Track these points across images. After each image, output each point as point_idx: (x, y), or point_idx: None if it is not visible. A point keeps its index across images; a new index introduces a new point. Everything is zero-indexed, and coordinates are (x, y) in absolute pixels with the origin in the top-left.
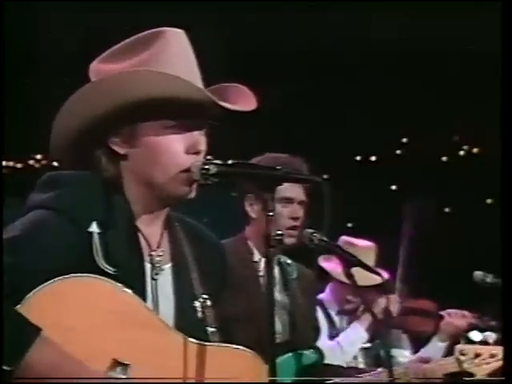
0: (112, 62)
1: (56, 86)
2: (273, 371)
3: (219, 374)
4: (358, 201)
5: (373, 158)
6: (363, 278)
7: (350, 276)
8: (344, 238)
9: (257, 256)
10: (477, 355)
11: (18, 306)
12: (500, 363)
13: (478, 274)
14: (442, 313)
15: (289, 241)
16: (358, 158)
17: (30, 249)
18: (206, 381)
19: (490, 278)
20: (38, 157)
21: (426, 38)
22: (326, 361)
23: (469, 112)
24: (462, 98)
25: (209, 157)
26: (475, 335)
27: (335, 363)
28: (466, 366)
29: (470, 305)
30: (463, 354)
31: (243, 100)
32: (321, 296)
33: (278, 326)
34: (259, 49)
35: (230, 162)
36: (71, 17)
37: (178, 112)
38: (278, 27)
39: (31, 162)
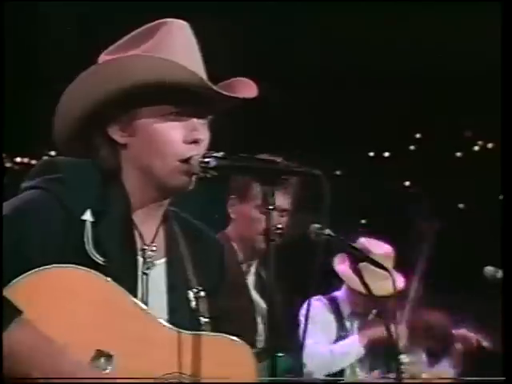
0: (118, 52)
1: (56, 85)
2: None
3: (205, 362)
4: (370, 197)
5: (386, 154)
6: (377, 287)
7: (357, 272)
8: (362, 240)
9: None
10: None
11: (4, 290)
12: None
13: (488, 269)
14: (454, 333)
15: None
16: (371, 153)
17: (18, 227)
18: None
19: (500, 274)
20: (39, 156)
21: (435, 34)
22: (315, 368)
23: (483, 106)
24: (476, 92)
25: (210, 151)
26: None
27: (323, 371)
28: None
29: (482, 301)
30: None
31: (243, 89)
32: (335, 293)
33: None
34: (270, 44)
35: (229, 155)
36: (71, 16)
37: (175, 98)
38: (287, 23)
39: (33, 161)
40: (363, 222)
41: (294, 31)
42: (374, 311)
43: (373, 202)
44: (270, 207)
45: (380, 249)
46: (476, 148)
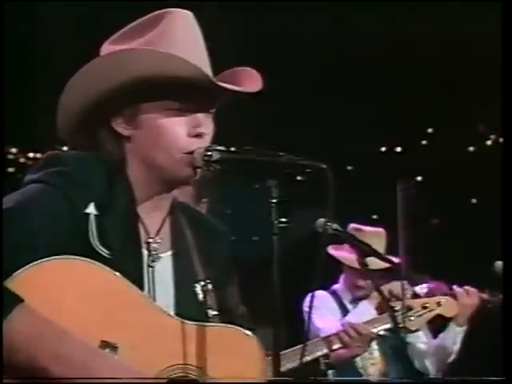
0: (121, 42)
1: (56, 85)
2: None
3: (211, 353)
4: (382, 192)
5: (398, 149)
6: (374, 262)
7: (364, 265)
8: (353, 225)
9: None
10: (409, 309)
11: (5, 282)
12: (434, 313)
13: (499, 263)
14: (455, 292)
15: None
16: (383, 148)
17: (20, 221)
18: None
19: None
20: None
21: (447, 26)
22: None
23: (495, 100)
24: (487, 86)
25: (213, 144)
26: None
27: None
28: (399, 320)
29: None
30: (395, 310)
31: (248, 81)
32: (334, 286)
33: None
34: (280, 35)
35: (232, 148)
36: (71, 16)
37: (178, 92)
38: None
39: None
40: (374, 217)
41: (300, 22)
42: (374, 293)
43: (384, 197)
44: (274, 200)
45: (370, 228)
46: (489, 142)
